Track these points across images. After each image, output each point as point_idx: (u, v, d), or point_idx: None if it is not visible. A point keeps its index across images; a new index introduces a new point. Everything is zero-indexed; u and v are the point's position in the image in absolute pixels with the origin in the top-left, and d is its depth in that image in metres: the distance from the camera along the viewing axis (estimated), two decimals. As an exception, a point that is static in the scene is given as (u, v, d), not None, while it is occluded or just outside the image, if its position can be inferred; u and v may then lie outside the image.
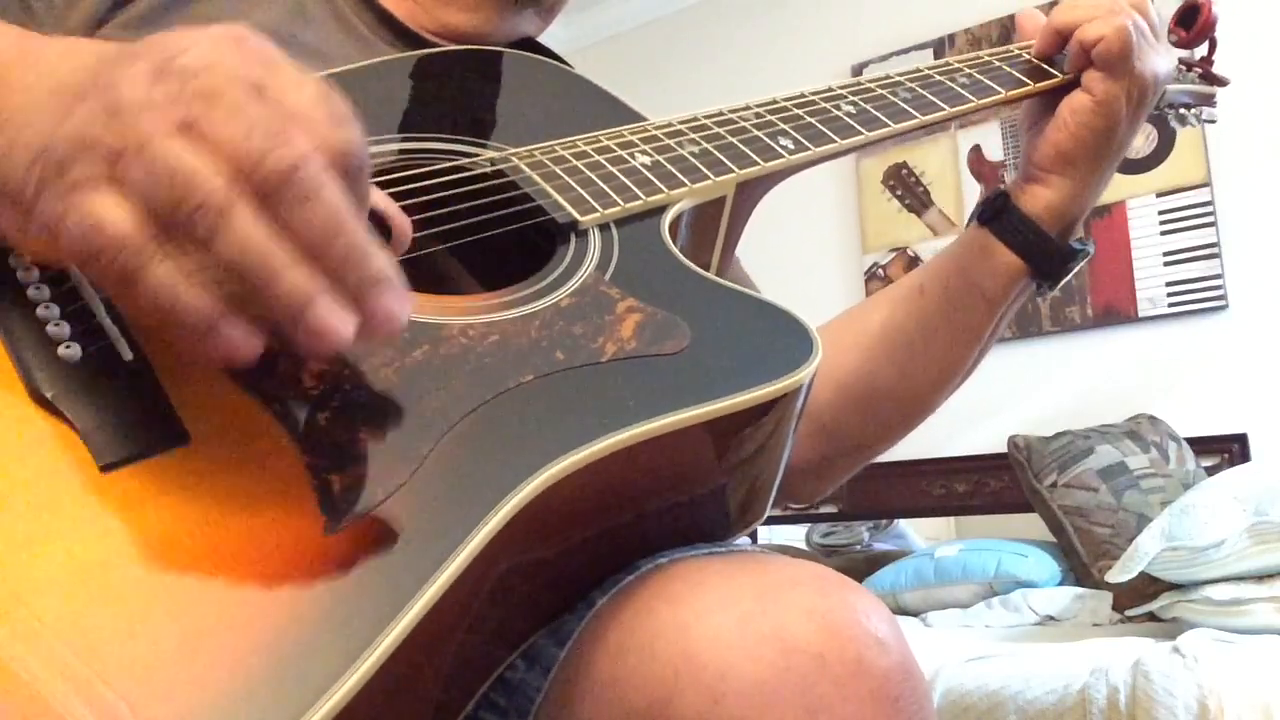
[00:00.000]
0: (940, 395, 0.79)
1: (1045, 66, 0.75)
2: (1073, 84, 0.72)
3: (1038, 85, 0.74)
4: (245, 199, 0.36)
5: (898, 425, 0.79)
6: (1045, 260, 0.74)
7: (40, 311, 0.42)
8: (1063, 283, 0.76)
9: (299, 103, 0.38)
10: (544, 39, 0.82)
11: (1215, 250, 2.73)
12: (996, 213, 0.75)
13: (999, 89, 0.73)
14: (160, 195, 0.35)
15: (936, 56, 0.75)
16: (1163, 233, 2.81)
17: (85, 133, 0.37)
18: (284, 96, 0.37)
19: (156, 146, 0.36)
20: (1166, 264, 2.79)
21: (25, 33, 0.44)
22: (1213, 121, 0.88)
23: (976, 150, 3.10)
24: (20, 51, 0.42)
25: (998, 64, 0.75)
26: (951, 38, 3.13)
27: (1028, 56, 0.76)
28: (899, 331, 0.76)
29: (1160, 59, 0.73)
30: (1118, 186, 2.87)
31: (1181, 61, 0.87)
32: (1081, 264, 0.76)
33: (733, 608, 0.41)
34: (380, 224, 0.47)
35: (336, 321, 0.36)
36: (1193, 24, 0.83)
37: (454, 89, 0.68)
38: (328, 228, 0.36)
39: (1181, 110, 0.87)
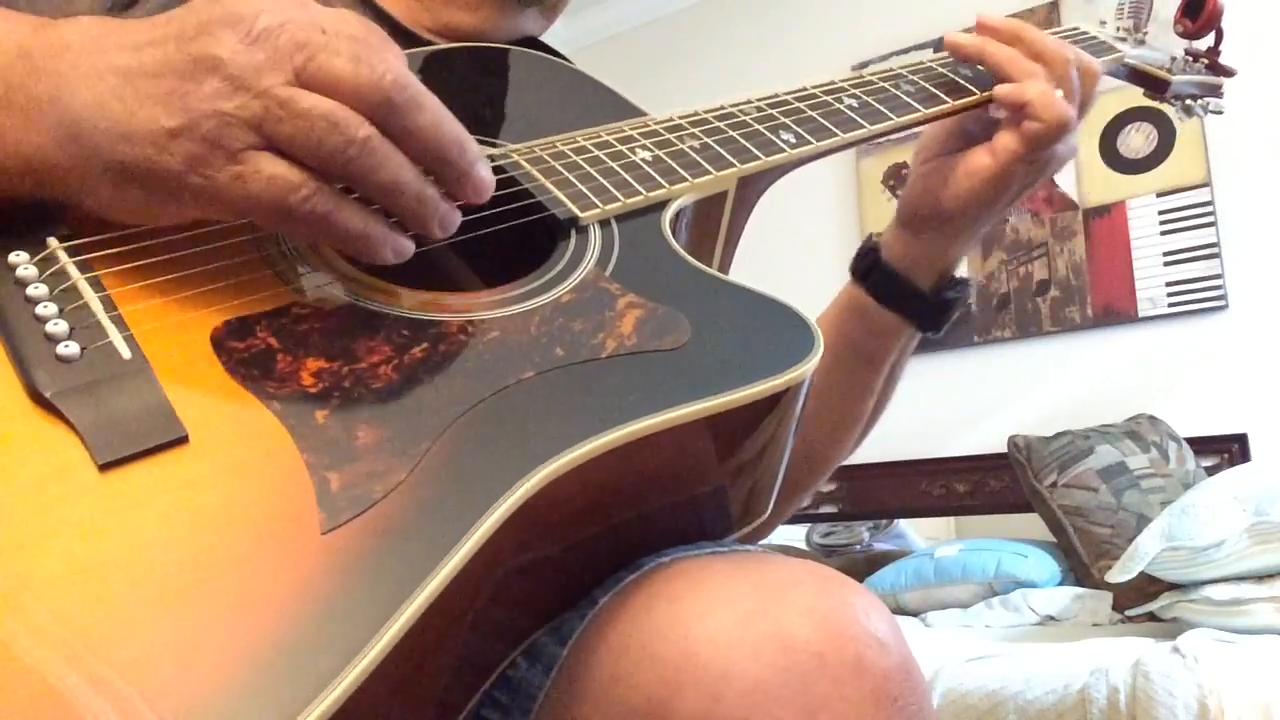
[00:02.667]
0: (841, 449, 0.78)
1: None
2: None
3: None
4: (375, 126, 0.43)
5: (803, 480, 0.77)
6: (919, 314, 0.73)
7: (39, 310, 0.42)
8: (945, 328, 0.75)
9: (360, 32, 0.44)
10: (545, 38, 0.82)
11: (1215, 250, 2.73)
12: (867, 270, 0.74)
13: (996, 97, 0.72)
14: (317, 141, 0.42)
15: (937, 54, 0.75)
16: (1163, 233, 2.81)
17: (219, 106, 0.42)
18: (349, 30, 0.44)
19: (295, 103, 0.42)
20: (1166, 264, 2.80)
21: (45, 21, 0.46)
22: (1219, 112, 0.87)
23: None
24: (58, 41, 0.44)
25: None
26: (952, 37, 3.13)
27: None
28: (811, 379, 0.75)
29: (1073, 140, 0.69)
30: (1118, 186, 2.88)
31: (1188, 52, 0.86)
32: (958, 310, 0.74)
33: (733, 607, 0.41)
34: None
35: (453, 210, 0.47)
36: (1199, 14, 0.82)
37: (455, 86, 0.68)
38: (437, 125, 0.45)
39: (1188, 101, 0.86)
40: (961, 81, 0.72)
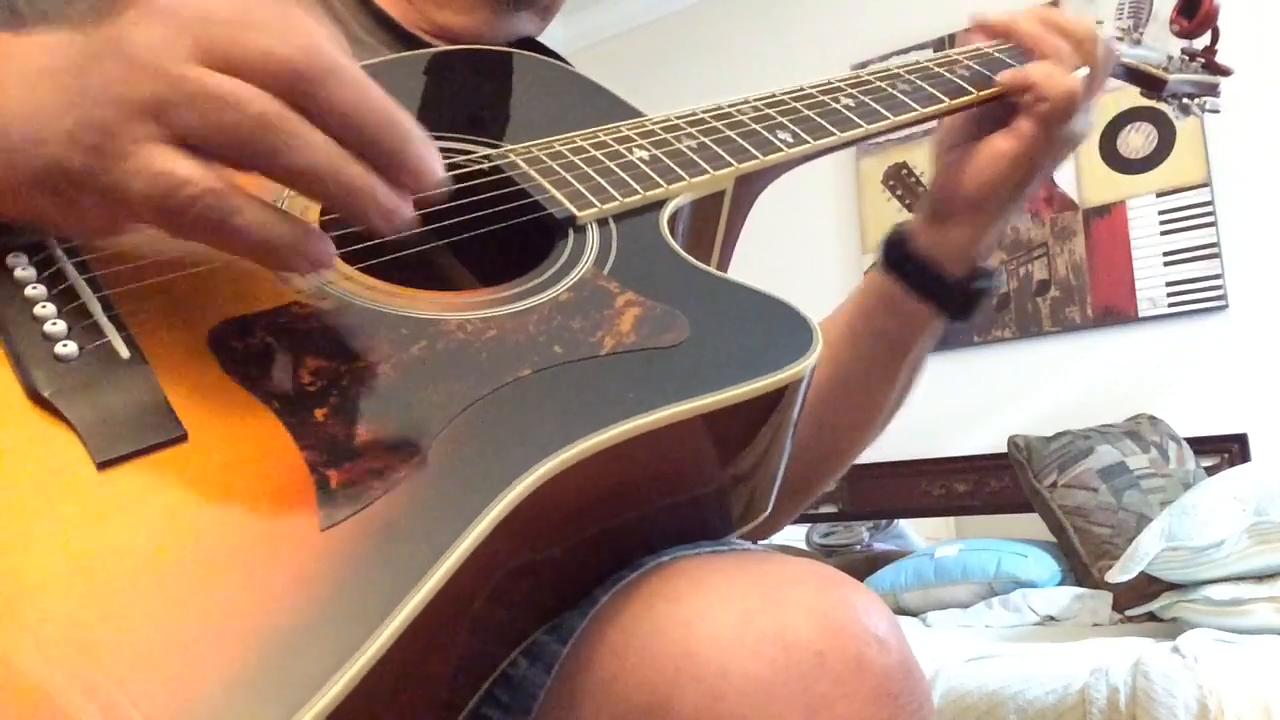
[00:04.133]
0: (863, 441, 0.78)
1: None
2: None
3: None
4: (286, 105, 0.38)
5: (819, 474, 0.77)
6: (949, 303, 0.73)
7: (37, 310, 0.42)
8: (974, 317, 0.74)
9: (284, 9, 0.40)
10: (544, 39, 0.82)
11: (1215, 250, 2.73)
12: (897, 257, 0.74)
13: (1001, 82, 0.72)
14: (214, 128, 0.38)
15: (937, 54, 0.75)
16: (1163, 233, 2.81)
17: (115, 92, 0.38)
18: (271, 4, 0.40)
19: (191, 82, 0.38)
20: (1166, 264, 2.80)
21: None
22: (1216, 111, 0.87)
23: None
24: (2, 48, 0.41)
25: (998, 55, 0.74)
26: (951, 37, 3.12)
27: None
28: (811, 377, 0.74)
29: (1089, 120, 0.71)
30: (1118, 186, 2.88)
31: (1184, 52, 0.86)
32: (989, 300, 0.74)
33: (734, 606, 0.41)
34: None
35: (398, 201, 0.41)
36: (1195, 13, 0.82)
37: (452, 87, 0.68)
38: (359, 99, 0.40)
39: (1185, 100, 0.86)
40: (959, 82, 0.72)
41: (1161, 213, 2.82)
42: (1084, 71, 0.68)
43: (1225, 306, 2.72)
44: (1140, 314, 2.82)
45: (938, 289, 0.72)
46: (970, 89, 0.71)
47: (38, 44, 0.41)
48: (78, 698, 0.32)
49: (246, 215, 0.39)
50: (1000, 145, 0.69)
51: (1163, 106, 0.88)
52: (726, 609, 0.40)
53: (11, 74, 0.40)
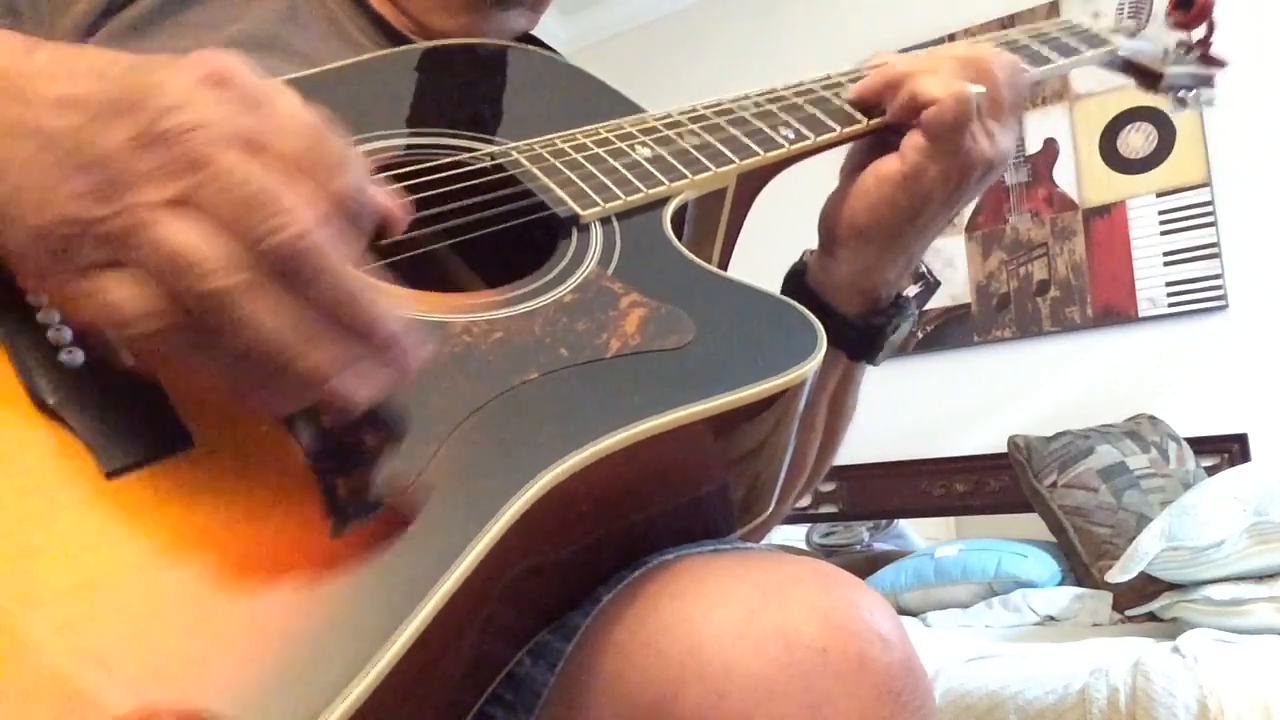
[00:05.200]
0: (793, 487, 0.71)
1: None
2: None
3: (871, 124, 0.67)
4: (250, 276, 0.34)
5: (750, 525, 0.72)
6: (849, 343, 0.68)
7: (41, 317, 0.41)
8: (881, 357, 0.69)
9: (291, 151, 0.36)
10: (544, 39, 0.82)
11: (1215, 250, 2.73)
12: (792, 293, 0.66)
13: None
14: (166, 278, 0.34)
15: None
16: (1163, 233, 2.81)
17: (80, 213, 0.35)
18: (276, 147, 0.36)
19: (156, 228, 0.34)
20: (1166, 264, 2.80)
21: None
22: (1210, 104, 0.87)
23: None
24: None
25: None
26: (951, 37, 3.13)
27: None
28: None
29: (1001, 139, 0.64)
30: (1117, 186, 2.88)
31: (1180, 44, 0.87)
32: (901, 331, 0.68)
33: (737, 604, 0.41)
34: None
35: (358, 386, 0.36)
36: (1191, 5, 0.83)
37: (455, 83, 0.68)
38: (337, 299, 0.35)
39: (1181, 93, 0.86)
40: None
41: (1161, 213, 2.82)
42: (977, 89, 0.63)
43: (1225, 306, 2.72)
44: (1140, 314, 2.82)
45: (834, 328, 0.63)
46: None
47: (40, 86, 0.37)
48: (108, 691, 0.31)
49: (198, 360, 0.36)
50: (884, 167, 0.64)
51: (1159, 99, 0.88)
52: (730, 607, 0.41)
53: (14, 116, 0.37)
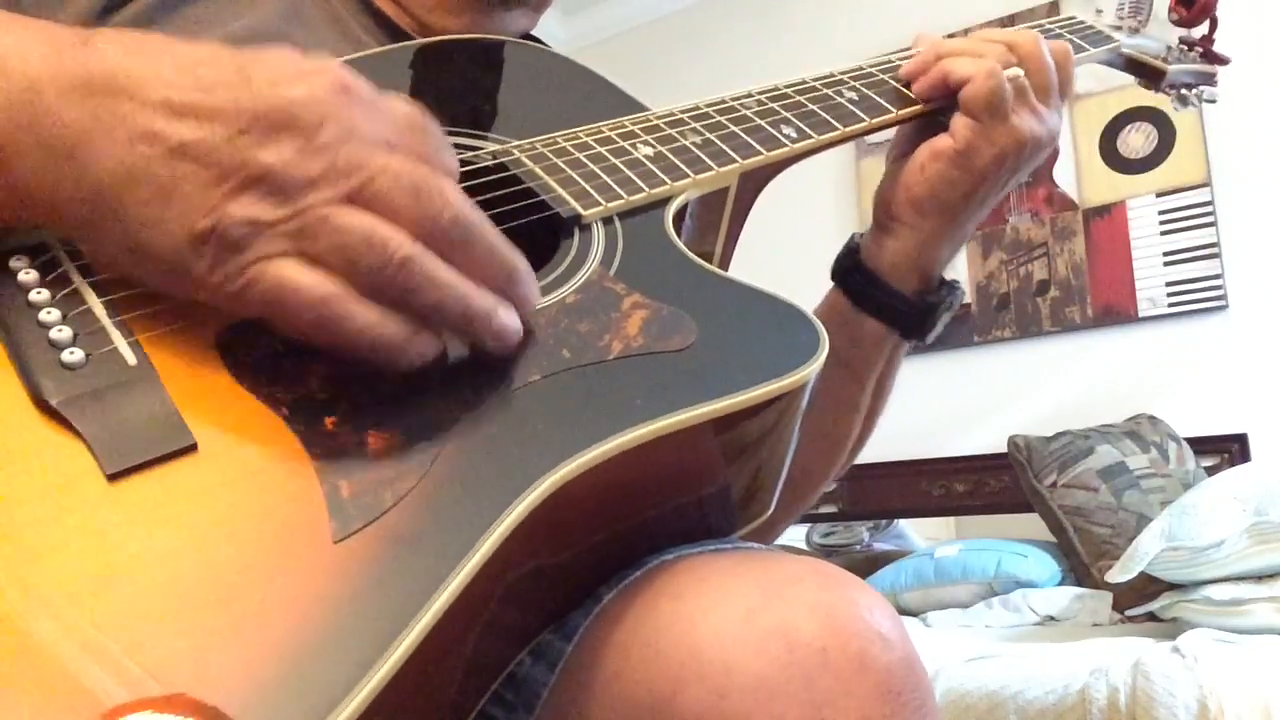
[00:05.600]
0: (831, 466, 0.74)
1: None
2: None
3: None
4: (427, 250, 0.42)
5: (790, 500, 0.72)
6: (901, 319, 0.70)
7: (43, 317, 0.41)
8: (930, 336, 0.71)
9: (415, 144, 0.43)
10: (544, 39, 0.82)
11: (1215, 250, 2.73)
12: (846, 272, 0.71)
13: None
14: (353, 256, 0.40)
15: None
16: (1163, 233, 2.81)
17: (256, 215, 0.40)
18: (406, 141, 0.43)
19: (341, 219, 0.40)
20: (1166, 264, 2.80)
21: (65, 41, 0.41)
22: (1213, 101, 0.87)
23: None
24: (80, 76, 0.40)
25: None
26: (951, 37, 3.12)
27: None
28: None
29: (1049, 119, 0.67)
30: (1118, 186, 2.88)
31: (1182, 41, 0.87)
32: (946, 315, 0.70)
33: (737, 603, 0.41)
34: None
35: (511, 322, 0.44)
36: (1193, 3, 0.83)
37: (456, 80, 0.68)
38: (487, 254, 0.44)
39: (1183, 90, 0.86)
40: None
41: (1161, 213, 2.82)
42: (1013, 71, 0.67)
43: (1225, 306, 2.72)
44: (1140, 314, 2.82)
45: (887, 303, 0.70)
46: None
47: (146, 92, 0.40)
48: (110, 682, 0.31)
49: (358, 320, 0.41)
50: (938, 144, 0.67)
51: (1161, 97, 0.88)
52: (730, 606, 0.41)
53: (101, 120, 0.40)
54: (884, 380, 0.74)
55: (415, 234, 0.41)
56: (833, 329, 0.70)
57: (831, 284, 0.74)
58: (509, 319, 0.44)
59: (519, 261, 0.45)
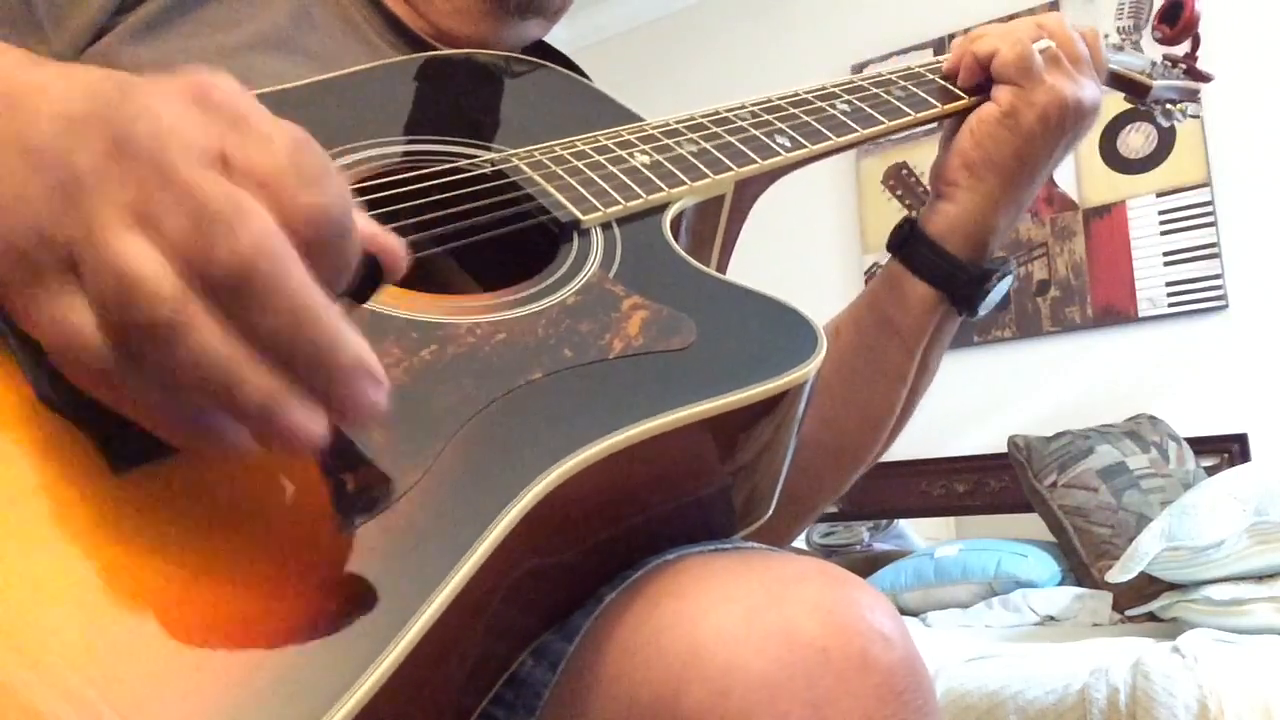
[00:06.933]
0: (873, 441, 0.75)
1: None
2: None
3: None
4: (199, 300, 0.32)
5: (829, 476, 0.75)
6: (954, 285, 0.71)
7: None
8: (982, 308, 0.72)
9: (263, 166, 0.34)
10: (547, 39, 0.82)
11: (1215, 250, 2.74)
12: (904, 239, 0.73)
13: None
14: (110, 301, 0.32)
15: (936, 55, 0.76)
16: (1163, 233, 2.81)
17: (41, 222, 0.33)
18: (247, 161, 0.34)
19: (105, 246, 0.32)
20: (1166, 264, 2.80)
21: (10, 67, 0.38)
22: (1196, 117, 0.90)
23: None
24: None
25: None
26: (952, 36, 3.13)
27: None
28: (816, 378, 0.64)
29: (1084, 88, 0.71)
30: (1117, 186, 2.88)
31: (1166, 58, 0.88)
32: (1000, 287, 0.72)
33: (739, 603, 0.41)
34: (368, 256, 0.40)
35: (304, 422, 0.33)
36: (1176, 20, 0.84)
37: (455, 92, 0.69)
38: (290, 324, 0.33)
39: (1167, 105, 0.88)
40: (951, 88, 0.74)
41: (1161, 213, 2.82)
42: (1046, 43, 0.71)
43: (1225, 306, 2.72)
44: (1140, 314, 2.82)
45: (937, 266, 0.71)
46: (963, 95, 0.73)
47: (32, 103, 0.36)
48: (81, 713, 0.31)
49: (140, 398, 0.34)
50: (983, 111, 0.71)
51: (1146, 112, 0.90)
52: (732, 606, 0.41)
53: (12, 131, 0.35)
54: (929, 354, 0.75)
55: (196, 282, 0.32)
56: (886, 295, 0.72)
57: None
58: (302, 419, 0.33)
59: (347, 345, 0.34)
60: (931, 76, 0.75)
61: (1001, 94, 0.70)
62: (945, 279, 0.71)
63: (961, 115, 0.73)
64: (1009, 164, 0.70)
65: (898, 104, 0.72)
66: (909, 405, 0.76)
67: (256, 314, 0.32)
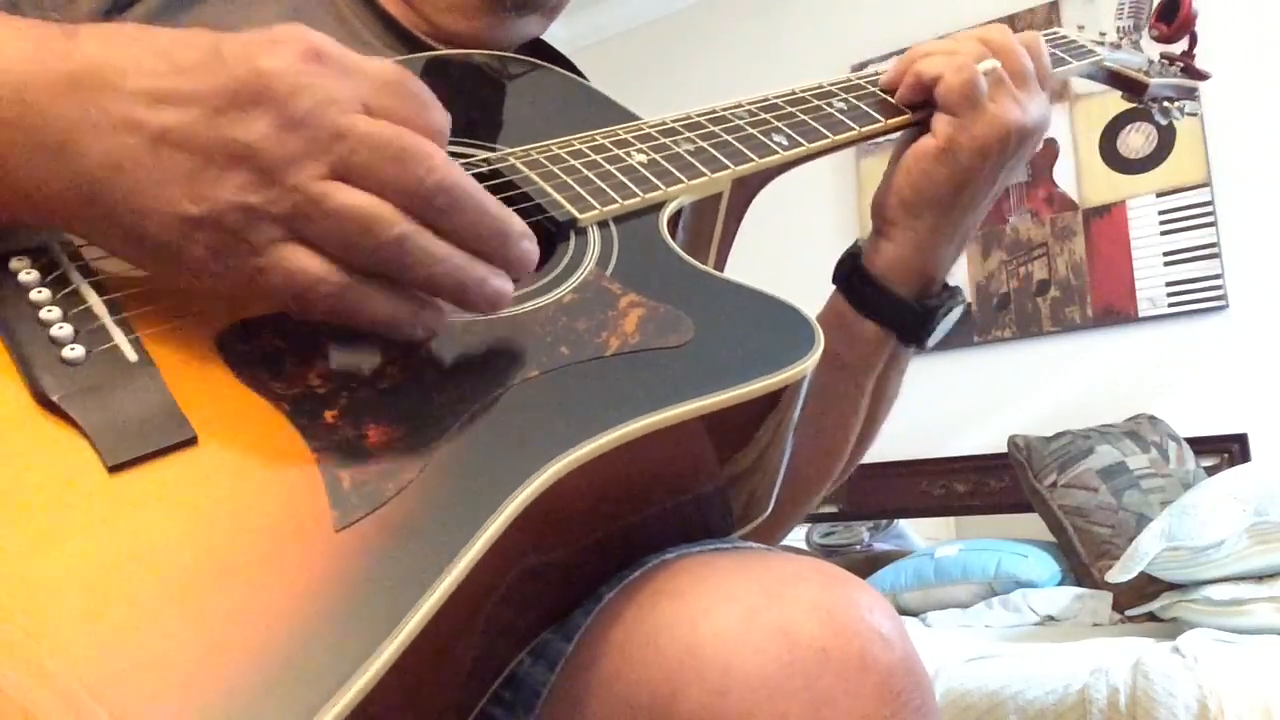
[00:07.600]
0: (827, 473, 0.74)
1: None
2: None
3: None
4: (415, 221, 0.42)
5: (786, 505, 0.71)
6: (901, 324, 0.70)
7: (44, 314, 0.42)
8: (931, 341, 0.71)
9: (396, 106, 0.42)
10: (546, 39, 0.82)
11: (1215, 250, 2.74)
12: (846, 274, 0.71)
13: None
14: (349, 239, 0.41)
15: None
16: (1163, 233, 2.81)
17: (246, 199, 0.40)
18: (382, 104, 0.42)
19: (331, 199, 0.40)
20: (1166, 264, 2.80)
21: (48, 38, 0.41)
22: (1194, 114, 0.90)
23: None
24: (64, 73, 0.40)
25: None
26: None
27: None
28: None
29: (1031, 107, 0.67)
30: (1117, 186, 2.88)
31: (1163, 56, 0.88)
32: (949, 320, 0.70)
33: (738, 603, 0.41)
34: None
35: (504, 284, 0.44)
36: (1174, 18, 0.84)
37: (451, 92, 0.69)
38: (476, 218, 0.43)
39: (1165, 103, 0.88)
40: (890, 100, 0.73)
41: (1161, 213, 2.82)
42: (989, 63, 0.67)
43: (1225, 306, 2.72)
44: (1140, 314, 2.82)
45: (886, 307, 0.69)
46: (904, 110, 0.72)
47: (127, 82, 0.40)
48: (82, 707, 0.31)
49: (374, 304, 0.42)
50: (920, 145, 0.68)
51: (1144, 110, 0.89)
52: (731, 606, 0.41)
53: (88, 114, 0.40)
54: (884, 385, 0.73)
55: (402, 205, 0.41)
56: (832, 332, 0.69)
57: (833, 287, 0.74)
58: (500, 285, 0.44)
59: (510, 223, 0.44)
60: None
61: (940, 126, 0.67)
62: (889, 317, 0.70)
63: (908, 142, 0.70)
64: (946, 201, 0.68)
65: (894, 102, 0.71)
66: (866, 433, 0.75)
67: (457, 216, 0.42)
